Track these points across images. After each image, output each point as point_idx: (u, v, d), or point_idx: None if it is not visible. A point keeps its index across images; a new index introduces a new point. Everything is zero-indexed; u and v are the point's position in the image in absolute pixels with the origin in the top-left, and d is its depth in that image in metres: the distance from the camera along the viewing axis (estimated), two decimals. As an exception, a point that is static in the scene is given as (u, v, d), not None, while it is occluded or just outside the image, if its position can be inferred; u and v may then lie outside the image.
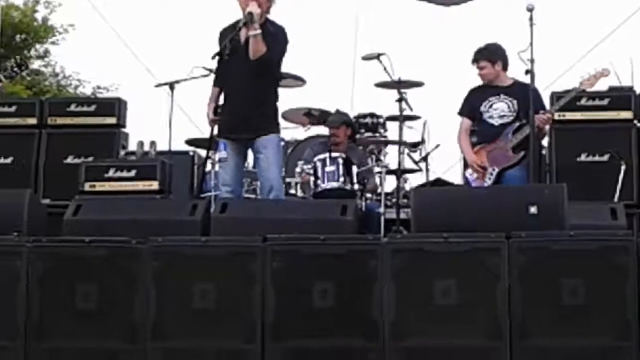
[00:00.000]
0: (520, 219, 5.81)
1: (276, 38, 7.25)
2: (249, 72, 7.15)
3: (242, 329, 5.63)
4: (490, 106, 7.66)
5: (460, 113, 7.87)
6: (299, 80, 9.55)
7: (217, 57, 7.31)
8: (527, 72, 7.09)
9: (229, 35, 7.23)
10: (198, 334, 5.64)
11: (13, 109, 9.09)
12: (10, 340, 5.67)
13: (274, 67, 7.36)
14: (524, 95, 7.24)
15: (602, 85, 8.42)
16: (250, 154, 7.65)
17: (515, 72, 7.64)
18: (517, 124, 7.54)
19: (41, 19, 21.60)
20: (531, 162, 7.17)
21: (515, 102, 7.59)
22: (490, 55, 7.71)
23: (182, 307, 5.68)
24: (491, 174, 7.54)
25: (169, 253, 5.76)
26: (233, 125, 7.27)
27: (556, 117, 7.95)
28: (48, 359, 5.68)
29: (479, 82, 7.88)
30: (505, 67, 7.75)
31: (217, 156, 7.70)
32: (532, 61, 7.05)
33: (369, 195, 8.39)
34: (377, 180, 8.48)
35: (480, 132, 7.80)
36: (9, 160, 8.90)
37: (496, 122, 7.63)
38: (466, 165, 7.94)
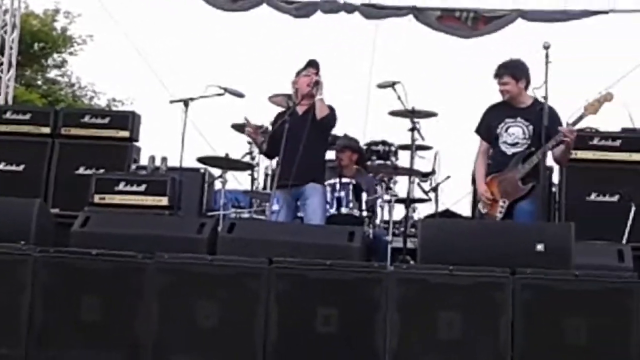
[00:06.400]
0: (527, 255, 5.81)
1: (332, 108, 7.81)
2: (307, 133, 7.52)
3: (244, 349, 5.62)
4: (506, 130, 7.24)
5: (477, 131, 7.52)
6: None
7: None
8: (540, 109, 7.06)
9: (289, 108, 7.87)
10: (199, 353, 5.63)
11: (27, 116, 9.14)
12: (11, 348, 5.67)
13: (331, 129, 7.91)
14: (542, 116, 7.03)
15: (614, 126, 8.46)
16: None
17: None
18: (527, 152, 7.18)
19: (60, 29, 21.71)
20: (540, 191, 6.91)
21: (531, 127, 7.24)
22: (515, 71, 7.33)
23: (185, 324, 5.68)
24: (502, 207, 7.20)
25: (175, 270, 5.78)
26: (286, 175, 7.49)
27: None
28: (48, 369, 5.68)
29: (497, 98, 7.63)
30: (527, 86, 7.36)
31: (272, 208, 7.90)
32: (546, 98, 7.03)
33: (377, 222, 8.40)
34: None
35: (494, 159, 7.43)
36: (20, 167, 8.93)
37: (509, 150, 7.26)
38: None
